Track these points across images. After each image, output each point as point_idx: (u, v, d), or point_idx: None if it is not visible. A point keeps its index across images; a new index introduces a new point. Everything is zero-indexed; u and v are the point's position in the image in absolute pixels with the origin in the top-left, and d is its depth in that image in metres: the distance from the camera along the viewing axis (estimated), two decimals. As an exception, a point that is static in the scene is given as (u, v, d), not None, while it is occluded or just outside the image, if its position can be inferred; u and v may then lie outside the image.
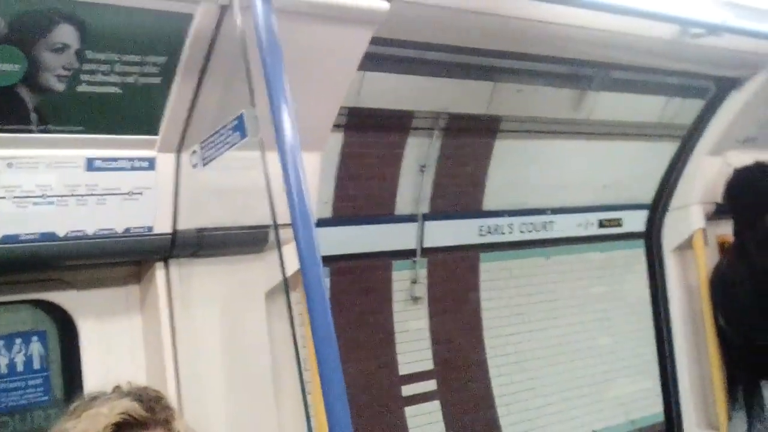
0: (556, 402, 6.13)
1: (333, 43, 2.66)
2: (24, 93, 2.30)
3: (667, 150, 5.02)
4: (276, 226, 2.43)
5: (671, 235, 4.56)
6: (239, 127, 2.45)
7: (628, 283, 6.09)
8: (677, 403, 4.45)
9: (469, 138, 5.28)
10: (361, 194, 4.95)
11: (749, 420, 4.06)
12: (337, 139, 4.38)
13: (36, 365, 2.70)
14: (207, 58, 2.50)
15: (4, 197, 2.33)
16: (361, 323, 5.13)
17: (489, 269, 5.90)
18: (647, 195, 4.96)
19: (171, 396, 2.39)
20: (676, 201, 4.54)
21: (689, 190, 4.50)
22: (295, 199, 2.20)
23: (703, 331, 4.26)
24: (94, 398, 2.00)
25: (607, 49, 3.75)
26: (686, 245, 4.47)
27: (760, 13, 3.84)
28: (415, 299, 5.49)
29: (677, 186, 4.53)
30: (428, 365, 5.61)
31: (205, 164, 2.59)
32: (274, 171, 2.34)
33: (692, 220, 4.47)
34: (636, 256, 5.68)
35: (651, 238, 4.61)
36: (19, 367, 2.67)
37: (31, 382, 2.68)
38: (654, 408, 5.40)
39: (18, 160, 2.35)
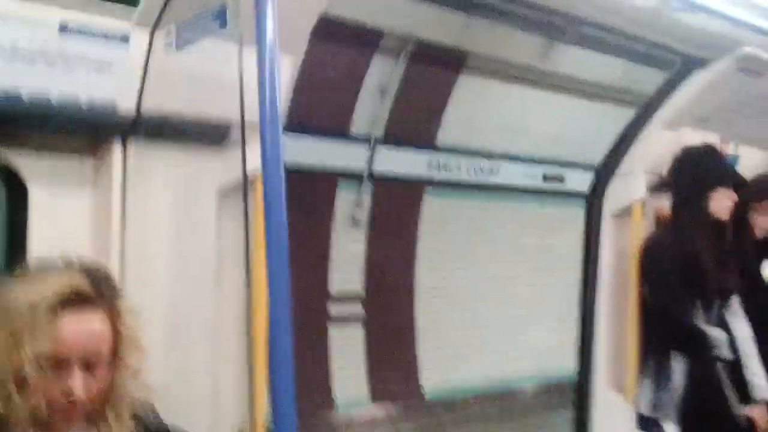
0: (475, 340, 6.30)
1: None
2: (6, -57, 2.22)
3: (619, 114, 5.10)
4: (243, 123, 2.42)
5: (613, 200, 4.66)
6: (220, 15, 2.41)
7: (563, 239, 6.24)
8: (590, 362, 4.61)
9: (434, 69, 5.26)
10: (318, 106, 4.89)
11: (655, 387, 4.24)
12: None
13: (-18, 225, 2.66)
14: (199, -63, 2.44)
15: (-29, 50, 2.26)
16: (298, 237, 5.12)
17: (432, 204, 5.95)
18: (593, 156, 5.04)
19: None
20: (623, 168, 4.63)
21: (638, 159, 4.60)
22: (267, 99, 2.17)
23: (627, 296, 4.40)
24: (44, 267, 2.00)
25: (585, 4, 3.80)
26: (625, 212, 4.59)
27: (740, -1, 3.92)
28: (356, 222, 5.52)
29: (627, 153, 4.62)
30: (358, 288, 5.68)
31: (179, 47, 2.55)
32: (248, 67, 2.32)
33: (635, 189, 4.58)
34: (573, 214, 5.81)
35: (593, 200, 4.69)
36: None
37: (-25, 242, 2.65)
38: (566, 364, 5.58)
39: (-10, 13, 2.28)
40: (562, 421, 5.57)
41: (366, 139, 5.12)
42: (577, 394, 4.70)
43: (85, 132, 2.63)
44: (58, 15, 2.36)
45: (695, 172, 4.37)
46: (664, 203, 4.63)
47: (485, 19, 4.48)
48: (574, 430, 4.99)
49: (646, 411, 4.28)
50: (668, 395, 4.19)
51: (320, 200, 5.28)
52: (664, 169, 4.57)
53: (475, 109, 5.45)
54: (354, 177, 5.34)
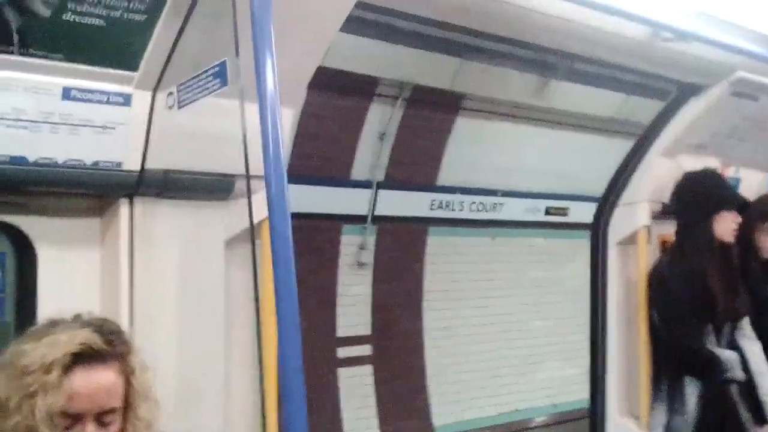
0: (485, 378, 6.30)
1: (320, 2, 2.68)
2: (9, 14, 2.27)
3: (618, 146, 5.16)
4: (248, 175, 2.46)
5: (617, 229, 4.65)
6: (220, 74, 2.46)
7: (568, 271, 6.25)
8: (603, 391, 4.58)
9: (431, 112, 5.34)
10: (319, 155, 4.97)
11: (669, 412, 4.22)
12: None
13: (-7, 285, 2.70)
14: (194, 1, 2.50)
15: (-22, 117, 2.31)
16: (305, 283, 5.18)
17: (436, 243, 6.00)
18: (595, 188, 5.08)
19: (123, 331, 2.41)
20: (625, 197, 4.63)
21: (640, 188, 4.60)
22: (271, 151, 2.22)
23: (636, 323, 4.38)
24: (55, 324, 2.03)
25: (577, 41, 3.81)
26: (630, 240, 4.58)
27: (729, 25, 3.96)
28: (361, 265, 5.56)
29: (629, 183, 4.63)
30: (366, 330, 5.70)
31: (180, 107, 2.60)
32: (250, 121, 2.37)
33: (639, 217, 4.57)
34: (577, 245, 5.84)
35: (598, 230, 4.69)
36: (-24, 286, 2.66)
37: (-15, 302, 2.68)
38: (577, 394, 5.55)
39: (-5, 81, 2.33)
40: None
41: (368, 184, 5.20)
42: (591, 422, 4.66)
43: (91, 193, 2.68)
44: (60, 82, 2.41)
45: (697, 196, 4.38)
46: (669, 230, 4.63)
47: (479, 61, 4.55)
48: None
49: (661, 436, 4.25)
50: (683, 419, 4.17)
51: (326, 245, 5.34)
52: (667, 196, 4.58)
53: (474, 149, 5.51)
54: (358, 221, 5.40)
